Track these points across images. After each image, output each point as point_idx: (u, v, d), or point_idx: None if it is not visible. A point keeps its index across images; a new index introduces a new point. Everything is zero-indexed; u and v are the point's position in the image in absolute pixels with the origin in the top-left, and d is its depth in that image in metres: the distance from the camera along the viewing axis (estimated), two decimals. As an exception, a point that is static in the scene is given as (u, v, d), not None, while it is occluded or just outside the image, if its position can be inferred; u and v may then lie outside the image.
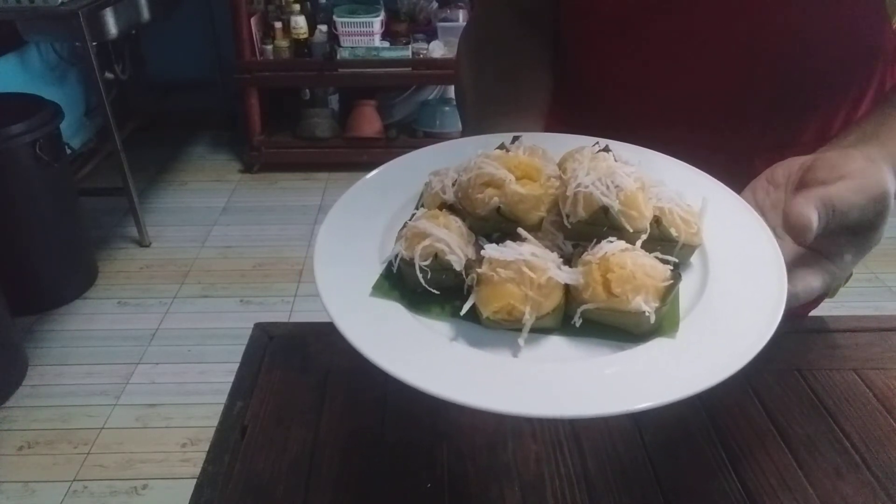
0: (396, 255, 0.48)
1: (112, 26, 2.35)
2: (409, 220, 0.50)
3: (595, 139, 0.58)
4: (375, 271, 0.49)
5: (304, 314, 2.25)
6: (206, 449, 0.59)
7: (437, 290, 0.47)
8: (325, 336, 0.72)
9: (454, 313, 0.46)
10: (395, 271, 0.48)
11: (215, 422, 0.62)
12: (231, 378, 0.66)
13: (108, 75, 2.89)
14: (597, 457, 0.59)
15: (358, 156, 3.06)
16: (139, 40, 3.30)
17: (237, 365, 0.68)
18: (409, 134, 3.14)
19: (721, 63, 0.67)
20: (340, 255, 0.50)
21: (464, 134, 0.73)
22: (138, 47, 3.31)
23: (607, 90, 0.74)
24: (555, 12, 0.75)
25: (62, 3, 2.17)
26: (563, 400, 0.41)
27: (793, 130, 0.71)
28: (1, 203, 2.04)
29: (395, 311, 0.46)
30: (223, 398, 0.64)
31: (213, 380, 1.95)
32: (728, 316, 0.46)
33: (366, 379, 0.66)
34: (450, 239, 0.47)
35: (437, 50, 3.00)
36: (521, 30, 0.74)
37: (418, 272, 0.46)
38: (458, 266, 0.47)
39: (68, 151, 2.46)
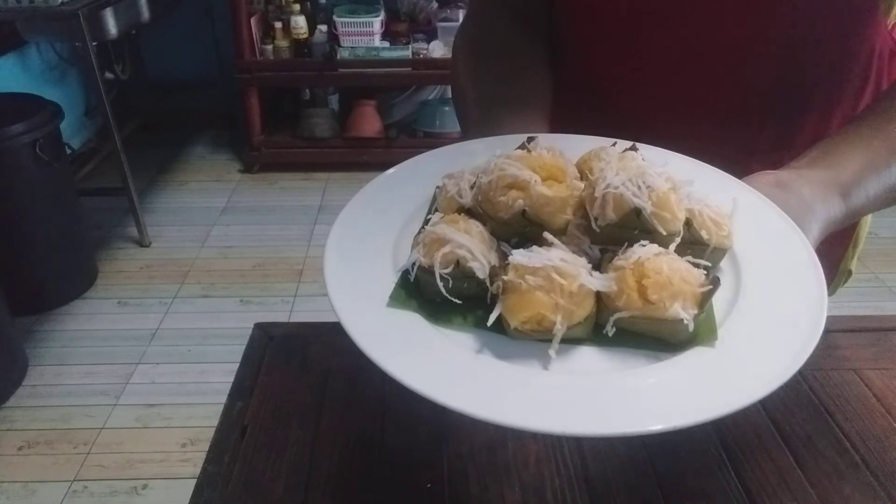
0: (414, 263, 0.45)
1: (112, 26, 2.35)
2: (425, 225, 0.48)
3: (612, 140, 0.56)
4: (390, 280, 0.46)
5: (304, 314, 2.25)
6: (206, 449, 0.59)
7: (458, 298, 0.44)
8: (325, 336, 0.72)
9: (477, 323, 0.44)
10: (412, 280, 0.45)
11: (215, 422, 0.62)
12: (231, 378, 0.66)
13: (108, 75, 2.89)
14: (597, 457, 0.59)
15: (358, 156, 3.06)
16: (139, 40, 3.29)
17: (237, 365, 0.68)
18: (409, 134, 3.14)
19: (718, 66, 0.67)
20: (352, 265, 0.47)
21: (465, 135, 0.73)
22: (138, 47, 3.31)
23: (605, 92, 0.74)
24: (550, 12, 0.75)
25: (62, 3, 2.17)
26: (606, 416, 0.39)
27: (790, 131, 0.71)
28: (1, 203, 2.04)
29: (414, 322, 0.44)
30: (223, 398, 0.64)
31: (213, 380, 1.95)
32: (768, 323, 0.43)
33: (366, 379, 0.66)
34: (472, 245, 0.44)
35: (437, 50, 3.00)
36: (518, 29, 0.74)
37: (438, 281, 0.43)
38: (482, 274, 0.44)
39: (68, 151, 2.45)
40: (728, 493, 0.56)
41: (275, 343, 0.71)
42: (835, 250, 0.84)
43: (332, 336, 0.71)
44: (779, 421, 0.62)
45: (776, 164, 0.71)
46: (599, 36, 0.71)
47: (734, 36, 0.65)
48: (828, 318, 0.76)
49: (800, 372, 0.67)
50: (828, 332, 0.73)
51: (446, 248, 0.44)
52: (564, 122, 0.73)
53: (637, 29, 0.68)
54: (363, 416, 0.62)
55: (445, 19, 3.08)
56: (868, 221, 0.84)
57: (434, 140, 3.05)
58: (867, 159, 0.60)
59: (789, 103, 0.70)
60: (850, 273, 0.87)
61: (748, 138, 0.71)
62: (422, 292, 0.46)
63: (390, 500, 0.55)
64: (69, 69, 3.01)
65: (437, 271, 0.44)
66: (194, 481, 0.56)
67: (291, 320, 2.17)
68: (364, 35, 2.96)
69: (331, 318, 0.45)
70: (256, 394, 0.65)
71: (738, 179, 0.56)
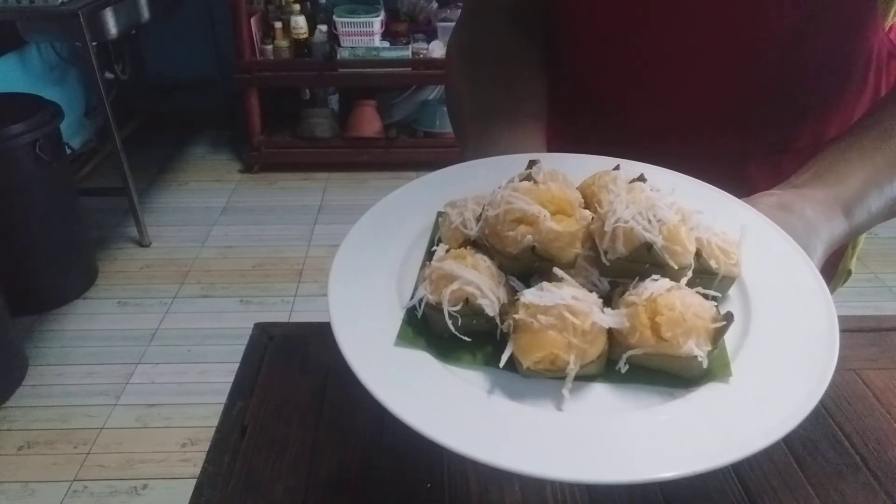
0: (421, 300, 0.44)
1: (112, 26, 2.35)
2: (429, 258, 0.47)
3: (614, 160, 0.56)
4: (397, 317, 0.45)
5: (304, 314, 2.25)
6: (206, 449, 0.59)
7: (467, 336, 0.44)
8: (325, 336, 0.71)
9: (487, 361, 0.43)
10: (419, 316, 0.45)
11: (215, 422, 0.62)
12: (231, 378, 0.66)
13: (108, 75, 2.89)
14: (597, 457, 0.59)
15: (358, 156, 3.06)
16: (139, 40, 3.29)
17: (237, 365, 0.68)
18: (409, 134, 3.13)
19: (716, 71, 0.67)
20: (357, 301, 0.46)
21: (461, 144, 0.72)
22: (138, 47, 3.31)
23: (604, 99, 0.73)
24: (545, 17, 0.74)
25: (62, 3, 2.17)
26: (623, 462, 0.38)
27: (788, 136, 0.71)
28: (1, 203, 2.04)
29: (424, 361, 0.43)
30: (223, 398, 0.64)
31: (213, 380, 1.95)
32: (781, 357, 0.43)
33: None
34: (480, 281, 0.44)
35: (437, 50, 3.00)
36: (513, 32, 0.73)
37: (447, 318, 0.43)
38: (492, 311, 0.43)
39: (68, 151, 2.46)
40: (728, 493, 0.56)
41: (275, 343, 0.71)
42: (835, 250, 0.84)
43: (332, 336, 0.71)
44: (779, 421, 0.62)
45: (774, 168, 0.71)
46: (596, 39, 0.71)
47: (734, 40, 0.65)
48: (828, 318, 0.76)
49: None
50: (828, 332, 0.74)
51: (455, 286, 0.43)
52: (561, 127, 0.73)
53: (634, 33, 0.68)
54: (363, 416, 0.62)
55: (445, 19, 3.08)
56: (868, 221, 0.84)
57: (434, 140, 3.05)
58: (869, 175, 0.60)
59: (788, 107, 0.70)
60: (849, 273, 0.87)
61: (746, 142, 0.71)
62: (430, 329, 0.45)
63: (390, 500, 0.55)
64: (69, 69, 3.01)
65: (446, 309, 0.43)
66: (194, 481, 0.56)
67: (291, 320, 2.17)
68: (364, 35, 2.96)
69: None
70: (256, 394, 0.64)
71: (742, 202, 0.56)
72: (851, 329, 0.74)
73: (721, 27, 0.65)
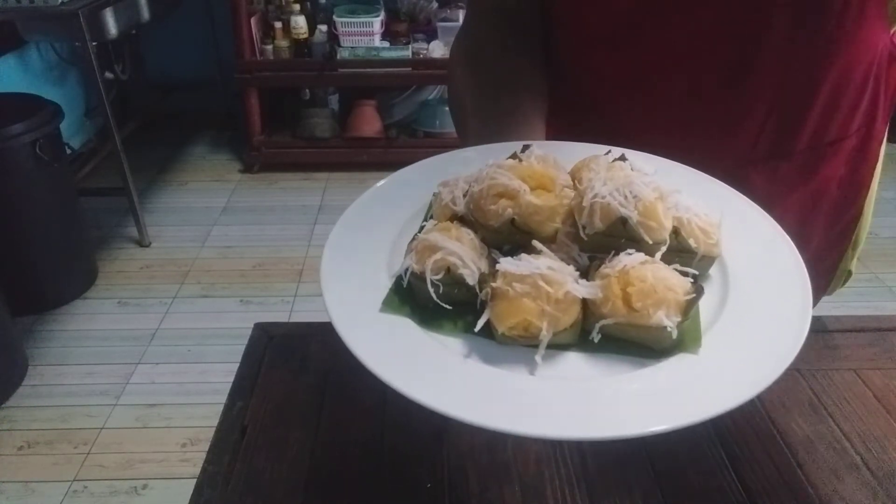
0: (406, 269, 0.46)
1: (112, 26, 2.35)
2: (419, 232, 0.49)
3: (607, 147, 0.57)
4: (384, 286, 0.47)
5: (304, 314, 2.25)
6: (206, 449, 0.59)
7: (449, 304, 0.45)
8: (325, 336, 0.72)
9: (467, 329, 0.45)
10: (405, 286, 0.47)
11: (215, 422, 0.62)
12: (231, 378, 0.66)
13: (108, 75, 2.89)
14: (597, 457, 0.59)
15: (358, 156, 3.06)
16: (139, 40, 3.30)
17: (237, 365, 0.68)
18: (409, 134, 3.14)
19: (713, 74, 0.67)
20: (347, 270, 0.48)
21: (463, 143, 0.72)
22: (138, 47, 3.31)
23: (601, 100, 0.74)
24: (543, 19, 0.74)
25: (62, 3, 2.17)
26: (588, 421, 0.40)
27: (786, 139, 0.71)
28: (1, 203, 2.04)
29: (406, 327, 0.45)
30: (223, 398, 0.64)
31: (213, 380, 1.95)
32: (752, 330, 0.44)
33: (365, 379, 0.66)
34: (462, 252, 0.46)
35: (437, 50, 3.00)
36: (513, 36, 0.73)
37: (430, 286, 0.45)
38: (472, 280, 0.45)
39: (68, 151, 2.46)
40: (728, 493, 0.56)
41: (275, 343, 0.71)
42: (835, 250, 0.84)
43: (332, 336, 0.71)
44: (779, 421, 0.63)
45: (773, 172, 0.72)
46: (593, 48, 0.71)
47: (730, 46, 0.65)
48: (828, 317, 0.76)
49: (800, 372, 0.68)
50: (828, 332, 0.74)
51: (437, 255, 0.45)
52: (560, 127, 0.73)
53: (631, 41, 0.68)
54: (363, 416, 0.63)
55: (445, 19, 3.08)
56: (868, 222, 0.84)
57: (434, 140, 3.05)
58: None
59: (786, 111, 0.70)
60: (849, 273, 0.87)
61: (746, 147, 0.71)
62: (414, 298, 0.47)
63: (390, 500, 0.55)
64: (69, 69, 3.01)
65: (429, 277, 0.45)
66: (194, 481, 0.56)
67: (291, 320, 2.17)
68: (364, 35, 2.96)
69: (331, 318, 0.45)
70: (256, 394, 0.65)
71: (729, 187, 0.56)
72: (851, 329, 0.74)
73: (718, 29, 0.65)
